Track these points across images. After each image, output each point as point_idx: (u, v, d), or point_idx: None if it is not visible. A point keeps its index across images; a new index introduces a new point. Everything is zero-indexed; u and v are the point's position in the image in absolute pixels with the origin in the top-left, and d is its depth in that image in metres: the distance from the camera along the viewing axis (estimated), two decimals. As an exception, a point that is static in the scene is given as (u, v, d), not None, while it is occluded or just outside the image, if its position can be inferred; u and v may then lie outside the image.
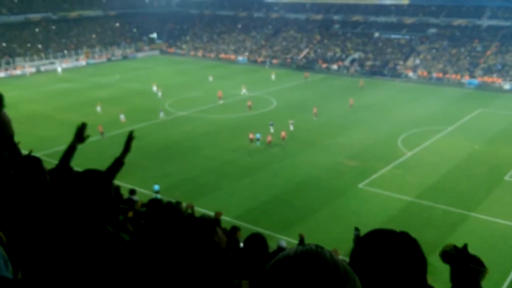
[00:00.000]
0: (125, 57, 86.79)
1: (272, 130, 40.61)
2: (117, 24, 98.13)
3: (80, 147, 4.91)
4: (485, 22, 72.02)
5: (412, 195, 28.83)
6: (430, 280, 6.84)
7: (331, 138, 39.76)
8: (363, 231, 14.06)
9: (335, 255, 1.32)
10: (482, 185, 30.13)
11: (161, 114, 46.57)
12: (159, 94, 55.05)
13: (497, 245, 23.20)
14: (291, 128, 41.50)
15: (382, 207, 27.38)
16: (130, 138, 4.93)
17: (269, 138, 38.39)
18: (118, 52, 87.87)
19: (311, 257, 1.29)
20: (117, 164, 4.71)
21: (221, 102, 51.71)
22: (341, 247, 15.83)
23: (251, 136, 38.44)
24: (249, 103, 49.11)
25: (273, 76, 65.16)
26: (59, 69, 73.06)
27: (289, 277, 1.26)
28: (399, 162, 34.32)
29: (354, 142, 38.48)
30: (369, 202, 28.29)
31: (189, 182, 31.20)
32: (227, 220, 21.57)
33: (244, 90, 55.39)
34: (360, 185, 30.44)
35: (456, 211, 26.81)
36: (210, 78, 64.48)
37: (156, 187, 28.79)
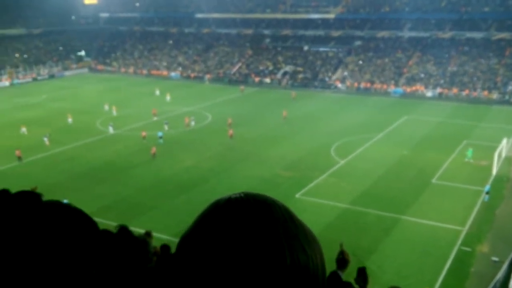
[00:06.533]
0: (52, 76, 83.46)
1: (166, 128, 45.34)
2: (42, 43, 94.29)
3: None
4: (406, 33, 75.87)
5: (346, 202, 29.53)
6: (370, 283, 6.84)
7: (266, 149, 40.05)
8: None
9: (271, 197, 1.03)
10: (411, 189, 31.41)
11: (110, 129, 46.35)
12: (109, 110, 54.81)
13: (427, 246, 24.14)
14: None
15: (319, 215, 27.78)
16: None
17: (153, 149, 38.64)
18: (45, 71, 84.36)
19: (249, 201, 1.02)
20: None
21: (156, 118, 50.78)
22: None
23: (143, 134, 42.80)
24: (186, 119, 48.41)
25: (168, 98, 60.59)
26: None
27: (231, 227, 0.94)
28: (333, 171, 35.11)
29: (289, 153, 38.98)
30: (306, 211, 28.59)
31: (123, 202, 30.17)
32: (164, 238, 20.98)
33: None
34: (297, 195, 30.78)
35: (389, 215, 27.72)
36: (168, 98, 60.58)
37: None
